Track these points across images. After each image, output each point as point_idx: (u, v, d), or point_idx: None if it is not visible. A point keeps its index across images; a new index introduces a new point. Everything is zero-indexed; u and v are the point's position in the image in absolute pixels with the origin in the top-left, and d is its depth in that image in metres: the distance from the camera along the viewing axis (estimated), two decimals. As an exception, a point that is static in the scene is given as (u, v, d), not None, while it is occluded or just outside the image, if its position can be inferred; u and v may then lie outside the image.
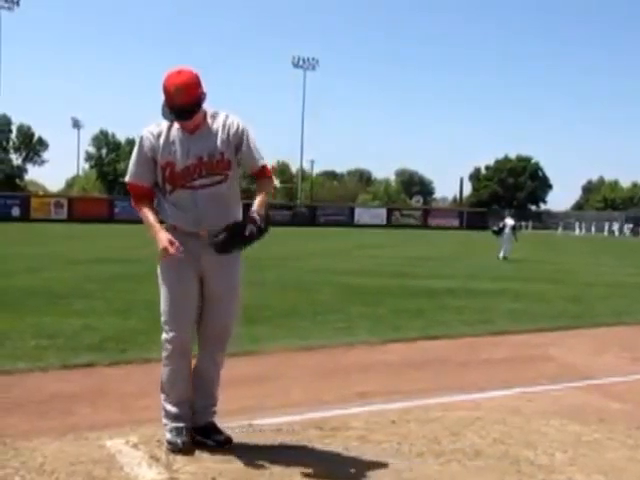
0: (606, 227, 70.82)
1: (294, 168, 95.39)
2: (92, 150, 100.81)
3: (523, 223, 35.17)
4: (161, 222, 3.96)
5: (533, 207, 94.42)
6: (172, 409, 4.02)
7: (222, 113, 3.99)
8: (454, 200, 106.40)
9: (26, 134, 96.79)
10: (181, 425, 4.00)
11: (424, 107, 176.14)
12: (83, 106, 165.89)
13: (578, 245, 40.74)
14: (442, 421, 4.72)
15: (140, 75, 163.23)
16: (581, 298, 12.44)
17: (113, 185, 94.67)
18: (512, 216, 26.02)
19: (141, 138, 3.95)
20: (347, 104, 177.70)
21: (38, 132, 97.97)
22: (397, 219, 69.42)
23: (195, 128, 3.89)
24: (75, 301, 9.69)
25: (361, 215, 68.46)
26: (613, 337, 8.70)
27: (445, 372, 6.40)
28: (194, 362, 4.10)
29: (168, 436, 3.98)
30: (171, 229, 3.91)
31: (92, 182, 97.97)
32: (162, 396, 4.06)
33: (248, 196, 4.24)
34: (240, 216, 3.99)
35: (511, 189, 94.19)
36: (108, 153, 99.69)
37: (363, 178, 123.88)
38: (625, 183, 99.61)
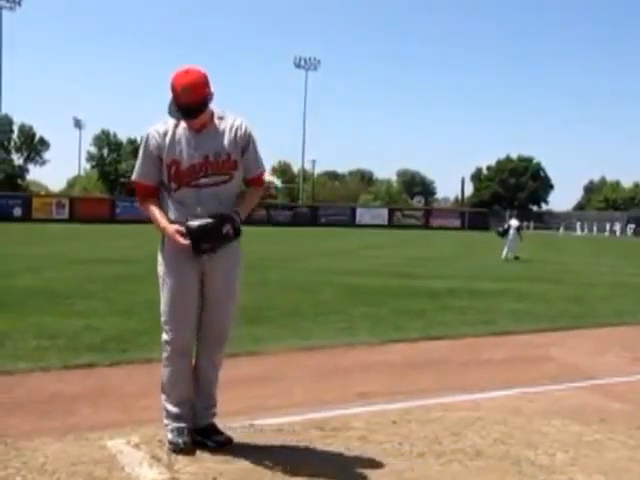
0: (607, 227, 70.75)
1: (296, 168, 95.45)
2: (93, 150, 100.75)
3: (525, 223, 35.12)
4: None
5: (534, 207, 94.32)
6: (173, 409, 4.02)
7: (230, 115, 4.01)
8: (456, 200, 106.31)
9: (28, 134, 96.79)
10: (182, 425, 4.00)
11: (425, 107, 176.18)
12: (84, 106, 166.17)
13: (579, 245, 40.71)
14: (443, 421, 4.72)
15: (141, 75, 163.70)
16: (583, 298, 12.43)
17: (114, 185, 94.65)
18: (516, 217, 26.23)
19: (147, 137, 3.95)
20: (349, 104, 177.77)
21: (40, 132, 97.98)
22: (398, 219, 69.39)
23: (202, 127, 3.90)
24: (76, 301, 9.69)
25: (362, 215, 68.45)
26: (614, 337, 8.69)
27: (446, 372, 6.40)
28: (193, 363, 4.09)
29: (169, 436, 3.98)
30: None
31: (93, 182, 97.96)
32: (163, 397, 4.06)
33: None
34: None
35: (512, 189, 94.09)
36: (109, 153, 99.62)
37: (365, 178, 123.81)
38: (627, 183, 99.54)
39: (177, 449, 3.90)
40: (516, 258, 23.20)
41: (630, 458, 4.13)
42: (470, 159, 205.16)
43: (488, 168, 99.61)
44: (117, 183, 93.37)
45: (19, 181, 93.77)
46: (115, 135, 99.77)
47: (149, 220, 4.02)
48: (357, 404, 5.12)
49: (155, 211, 3.95)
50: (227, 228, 3.81)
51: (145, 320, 7.94)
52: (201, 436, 4.06)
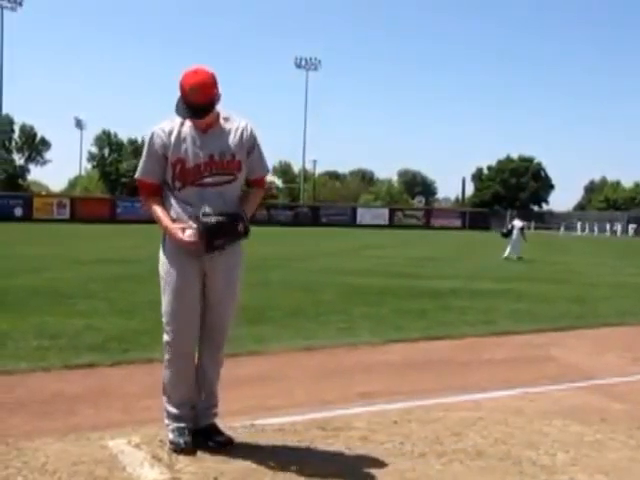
0: (608, 227, 70.74)
1: (296, 168, 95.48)
2: (94, 150, 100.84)
3: (526, 223, 34.94)
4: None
5: (535, 207, 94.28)
6: (174, 410, 4.02)
7: (235, 116, 4.02)
8: (456, 200, 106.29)
9: (29, 134, 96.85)
10: (183, 425, 4.00)
11: (426, 107, 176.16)
12: (86, 106, 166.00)
13: (580, 245, 40.70)
14: (444, 421, 4.72)
15: (142, 75, 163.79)
16: (583, 298, 12.43)
17: (115, 185, 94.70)
18: (519, 217, 26.34)
19: (152, 135, 3.95)
20: (349, 104, 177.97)
21: (41, 132, 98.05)
22: (399, 219, 69.41)
23: (208, 127, 3.91)
24: (78, 301, 9.70)
25: (363, 215, 68.47)
26: (615, 337, 8.70)
27: (447, 372, 6.40)
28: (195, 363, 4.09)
29: (170, 436, 3.98)
30: None
31: (94, 182, 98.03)
32: (164, 397, 4.07)
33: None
34: None
35: (513, 189, 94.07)
36: (110, 153, 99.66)
37: (365, 178, 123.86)
38: (627, 183, 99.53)
39: (178, 449, 3.90)
40: (519, 259, 23.23)
41: (631, 458, 4.13)
42: (471, 159, 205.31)
43: (489, 168, 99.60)
44: (118, 183, 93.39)
45: (20, 181, 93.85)
46: (116, 135, 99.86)
47: (150, 220, 4.02)
48: (358, 404, 5.13)
49: (158, 209, 3.95)
50: (240, 226, 3.85)
51: (146, 320, 7.95)
52: (202, 436, 4.06)
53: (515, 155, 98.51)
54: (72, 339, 7.05)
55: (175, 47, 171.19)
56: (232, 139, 3.94)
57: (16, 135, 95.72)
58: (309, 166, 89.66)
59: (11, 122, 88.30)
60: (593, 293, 13.47)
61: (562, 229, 72.04)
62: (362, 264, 19.35)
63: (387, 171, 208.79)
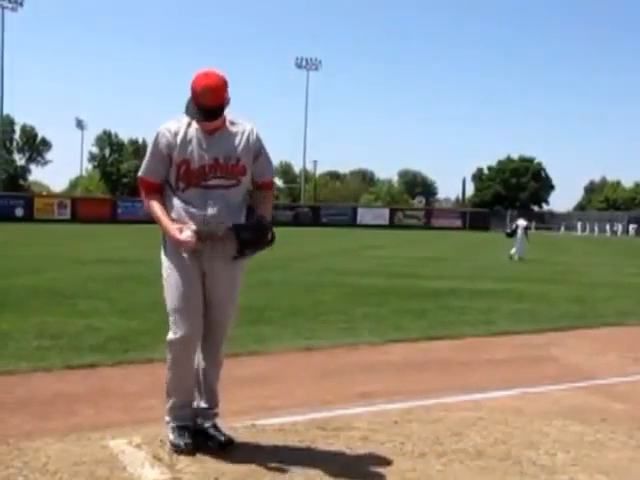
0: (608, 227, 70.72)
1: (297, 168, 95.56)
2: (95, 150, 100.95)
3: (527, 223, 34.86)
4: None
5: (535, 208, 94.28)
6: (175, 410, 4.02)
7: (241, 120, 4.03)
8: (457, 201, 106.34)
9: (30, 134, 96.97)
10: (183, 424, 4.01)
11: (427, 107, 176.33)
12: (86, 106, 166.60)
13: (581, 245, 40.69)
14: (444, 421, 4.73)
15: (143, 76, 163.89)
16: (584, 299, 12.43)
17: (116, 185, 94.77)
18: (523, 217, 26.47)
19: (157, 135, 3.94)
20: (350, 104, 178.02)
21: (42, 132, 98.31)
22: (400, 219, 69.36)
23: (214, 129, 3.91)
24: (78, 301, 9.70)
25: (364, 215, 68.44)
26: (616, 338, 8.70)
27: (447, 372, 6.41)
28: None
29: (171, 436, 3.98)
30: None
31: (95, 182, 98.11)
32: (166, 396, 4.06)
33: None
34: (242, 220, 4.03)
35: (514, 190, 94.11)
36: (111, 153, 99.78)
37: (366, 178, 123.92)
38: (627, 183, 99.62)
39: (179, 449, 3.91)
40: (520, 259, 23.28)
41: (631, 458, 4.13)
42: (471, 159, 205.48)
43: (489, 168, 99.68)
44: (119, 183, 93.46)
45: (21, 181, 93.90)
46: (117, 135, 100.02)
47: (151, 220, 4.01)
48: (359, 404, 5.13)
49: (157, 209, 3.94)
50: (269, 235, 3.95)
51: (147, 320, 7.95)
52: (203, 437, 4.06)
53: (515, 155, 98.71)
54: (73, 339, 7.06)
55: (175, 47, 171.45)
56: (238, 143, 3.94)
57: (17, 135, 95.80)
58: (310, 166, 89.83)
59: (11, 122, 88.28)
60: (593, 293, 13.46)
61: (562, 229, 72.05)
62: (362, 264, 19.35)
63: (387, 171, 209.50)
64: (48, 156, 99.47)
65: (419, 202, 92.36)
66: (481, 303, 11.18)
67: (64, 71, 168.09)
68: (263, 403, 5.11)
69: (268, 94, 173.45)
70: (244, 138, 3.96)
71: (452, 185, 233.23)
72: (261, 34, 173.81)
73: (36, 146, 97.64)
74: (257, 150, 4.02)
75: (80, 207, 53.56)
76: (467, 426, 4.62)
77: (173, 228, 3.84)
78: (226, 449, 3.98)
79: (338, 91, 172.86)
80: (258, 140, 4.03)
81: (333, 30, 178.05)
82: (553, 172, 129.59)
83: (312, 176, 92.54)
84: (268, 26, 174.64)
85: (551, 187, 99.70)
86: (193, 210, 3.86)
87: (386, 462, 3.91)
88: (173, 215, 3.90)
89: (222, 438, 4.03)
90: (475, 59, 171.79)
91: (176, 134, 3.90)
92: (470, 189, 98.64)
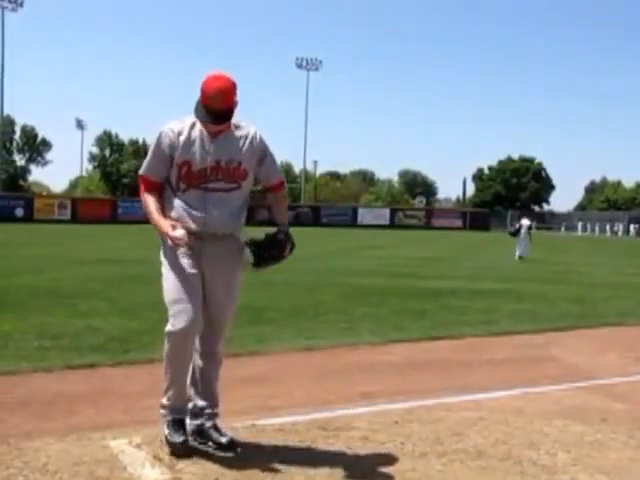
0: (608, 227, 70.72)
1: (297, 169, 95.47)
2: (95, 151, 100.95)
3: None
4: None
5: (536, 208, 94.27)
6: (171, 402, 3.96)
7: (244, 124, 4.01)
8: (457, 201, 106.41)
9: (30, 135, 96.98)
10: (179, 417, 3.96)
11: (427, 107, 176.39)
12: (86, 107, 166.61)
13: (581, 245, 40.70)
14: (445, 421, 4.72)
15: (143, 76, 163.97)
16: (584, 299, 12.42)
17: (116, 186, 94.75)
18: (527, 217, 26.64)
19: (160, 134, 3.93)
20: (350, 104, 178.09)
21: (42, 133, 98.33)
22: (400, 219, 69.36)
23: (218, 132, 3.90)
24: (79, 301, 9.69)
25: (364, 215, 68.44)
26: (616, 338, 8.69)
27: (448, 372, 6.41)
28: (193, 363, 4.07)
29: (166, 431, 3.93)
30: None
31: (95, 183, 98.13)
32: (162, 390, 4.00)
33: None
34: (243, 223, 4.04)
35: (514, 190, 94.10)
36: (111, 154, 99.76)
37: (366, 179, 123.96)
38: (628, 183, 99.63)
39: (175, 449, 3.85)
40: (520, 258, 23.41)
41: (632, 458, 4.13)
42: (472, 159, 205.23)
43: (490, 168, 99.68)
44: (119, 184, 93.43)
45: (21, 182, 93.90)
46: (117, 136, 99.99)
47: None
48: (359, 404, 5.13)
49: (152, 205, 3.92)
50: (288, 249, 4.06)
51: (147, 320, 7.95)
52: (203, 437, 4.05)
53: (516, 155, 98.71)
54: (73, 339, 7.06)
55: (175, 47, 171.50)
56: (241, 147, 3.93)
57: (17, 136, 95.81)
58: (310, 166, 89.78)
59: (11, 123, 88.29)
60: (594, 293, 13.46)
61: (563, 229, 72.04)
62: (363, 264, 19.35)
63: (388, 171, 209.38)
64: (48, 156, 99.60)
65: (419, 202, 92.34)
66: (481, 303, 11.18)
67: (64, 71, 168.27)
68: (263, 403, 5.10)
69: (268, 94, 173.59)
70: (248, 142, 3.95)
71: (452, 185, 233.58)
72: (261, 34, 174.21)
73: (36, 146, 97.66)
74: (262, 153, 4.02)
75: (80, 207, 53.58)
76: (468, 426, 4.62)
77: (165, 224, 3.81)
78: (227, 449, 3.97)
79: (338, 91, 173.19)
80: (262, 142, 4.02)
81: (333, 30, 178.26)
82: (553, 172, 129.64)
83: (312, 176, 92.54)
84: (268, 26, 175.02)
85: (551, 187, 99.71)
86: (194, 212, 3.86)
87: (386, 462, 3.90)
88: (173, 215, 3.89)
89: (222, 439, 4.02)
90: (475, 59, 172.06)
91: (179, 135, 3.89)
92: (470, 189, 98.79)
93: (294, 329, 8.17)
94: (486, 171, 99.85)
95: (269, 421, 4.55)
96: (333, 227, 58.50)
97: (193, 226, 3.87)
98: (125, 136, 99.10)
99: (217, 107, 3.76)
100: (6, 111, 74.10)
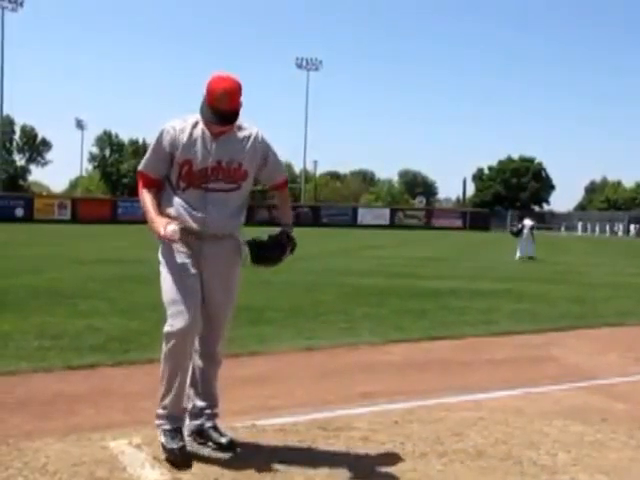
0: (608, 228, 70.71)
1: (297, 169, 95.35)
2: (95, 151, 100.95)
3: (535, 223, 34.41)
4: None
5: (536, 208, 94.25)
6: (168, 408, 3.92)
7: (248, 125, 4.01)
8: (457, 201, 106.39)
9: (29, 135, 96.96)
10: (175, 427, 3.89)
11: (427, 107, 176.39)
12: (86, 107, 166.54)
13: (581, 245, 40.69)
14: (445, 421, 4.72)
15: (143, 76, 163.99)
16: (584, 299, 12.42)
17: (116, 186, 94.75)
18: (530, 217, 26.72)
19: (162, 132, 3.92)
20: (350, 104, 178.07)
21: (42, 133, 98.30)
22: (400, 219, 69.33)
23: (220, 133, 3.89)
24: (79, 301, 9.69)
25: (364, 215, 68.41)
26: (616, 338, 8.69)
27: (448, 372, 6.40)
28: (193, 363, 4.06)
29: (163, 439, 3.87)
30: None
31: (95, 183, 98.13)
32: (159, 395, 3.94)
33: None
34: (242, 222, 4.04)
35: (514, 190, 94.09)
36: (111, 154, 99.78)
37: (366, 179, 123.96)
38: (628, 183, 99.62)
39: (173, 456, 3.78)
40: (521, 259, 23.48)
41: (632, 458, 4.13)
42: (472, 159, 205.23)
43: (490, 168, 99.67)
44: (119, 184, 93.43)
45: (21, 182, 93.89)
46: (117, 136, 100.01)
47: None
48: (359, 404, 5.13)
49: (148, 201, 3.91)
50: (290, 249, 4.07)
51: (147, 320, 7.94)
52: (203, 438, 4.05)
53: (516, 155, 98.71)
54: (73, 339, 7.06)
55: (175, 47, 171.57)
56: (243, 148, 3.93)
57: (17, 136, 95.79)
58: (310, 166, 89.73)
59: (11, 123, 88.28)
60: (594, 293, 13.45)
61: (563, 229, 72.03)
62: (363, 264, 19.35)
63: (388, 171, 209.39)
64: (48, 156, 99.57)
65: (419, 202, 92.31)
66: (481, 303, 11.18)
67: (64, 71, 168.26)
68: (263, 403, 5.10)
69: (268, 94, 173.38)
70: (250, 143, 3.95)
71: (452, 185, 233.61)
72: (261, 34, 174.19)
73: (36, 146, 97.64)
74: (265, 153, 4.01)
75: (80, 207, 53.54)
76: (468, 426, 4.61)
77: (158, 222, 3.79)
78: (226, 450, 3.97)
79: (338, 91, 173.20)
80: (264, 143, 4.01)
81: (333, 30, 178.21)
82: (553, 172, 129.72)
83: (312, 176, 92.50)
84: (268, 26, 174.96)
85: (551, 187, 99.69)
86: (194, 211, 3.86)
87: (386, 462, 3.90)
88: (173, 213, 3.88)
89: (222, 439, 4.02)
90: (475, 59, 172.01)
91: (181, 133, 3.87)
92: (470, 189, 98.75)
93: (294, 329, 8.16)
94: (486, 171, 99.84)
95: (269, 421, 4.55)
96: (333, 227, 58.49)
97: (194, 225, 3.87)
98: (125, 136, 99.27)
99: (223, 108, 3.75)
100: (6, 111, 74.14)
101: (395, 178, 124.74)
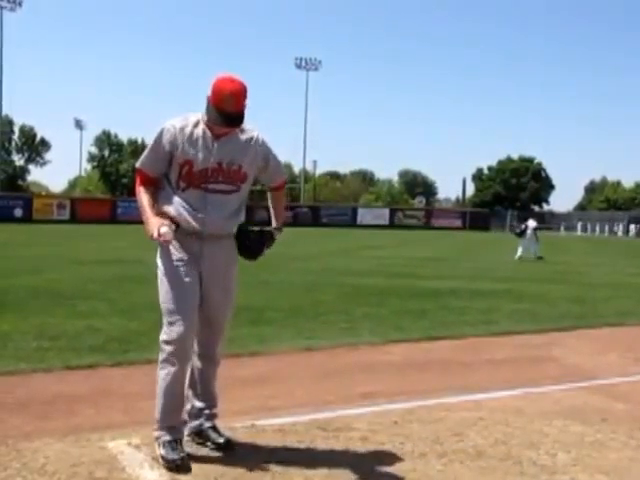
0: (608, 228, 70.72)
1: (297, 169, 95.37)
2: (94, 151, 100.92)
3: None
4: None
5: (536, 208, 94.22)
6: (166, 419, 3.85)
7: (250, 128, 3.99)
8: (457, 201, 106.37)
9: (28, 135, 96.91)
10: (174, 438, 3.82)
11: (427, 108, 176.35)
12: (85, 107, 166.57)
13: (581, 245, 40.69)
14: (445, 421, 4.72)
15: (143, 76, 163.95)
16: (584, 299, 12.42)
17: (115, 185, 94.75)
18: (533, 218, 26.90)
19: (162, 130, 3.89)
20: (350, 104, 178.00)
21: (41, 133, 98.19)
22: (400, 220, 69.33)
23: (222, 134, 3.87)
24: (78, 302, 9.68)
25: (364, 216, 68.41)
26: (616, 338, 8.69)
27: (448, 373, 6.40)
28: (192, 364, 4.04)
29: (162, 451, 3.78)
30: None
31: (95, 183, 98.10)
32: (156, 403, 3.88)
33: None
34: (242, 222, 4.04)
35: (514, 190, 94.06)
36: (110, 154, 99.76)
37: (366, 179, 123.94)
38: (628, 183, 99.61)
39: (173, 467, 3.70)
40: (539, 258, 23.77)
41: (632, 458, 4.12)
42: (471, 159, 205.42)
43: (489, 168, 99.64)
44: (118, 184, 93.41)
45: (20, 182, 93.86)
46: (116, 136, 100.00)
47: None
48: (359, 404, 5.12)
49: (144, 199, 3.89)
50: (269, 244, 4.26)
51: (147, 321, 7.93)
52: (202, 438, 4.04)
53: (515, 155, 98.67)
54: (72, 340, 7.05)
55: (175, 47, 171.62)
56: (244, 150, 3.92)
57: (16, 136, 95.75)
58: (309, 166, 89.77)
59: (10, 123, 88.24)
60: (594, 293, 13.46)
61: (562, 229, 72.05)
62: (363, 264, 19.35)
63: (388, 171, 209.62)
64: (47, 156, 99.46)
65: (419, 202, 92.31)
66: (481, 303, 11.17)
67: (63, 71, 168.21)
68: (263, 403, 5.10)
69: (268, 94, 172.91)
70: (251, 146, 3.94)
71: (452, 185, 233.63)
72: (261, 34, 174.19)
73: (35, 146, 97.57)
74: (265, 156, 4.01)
75: (79, 207, 53.51)
76: (468, 426, 4.61)
77: (152, 223, 3.76)
78: (225, 450, 3.96)
79: (338, 91, 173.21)
80: (264, 146, 4.00)
81: (333, 30, 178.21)
82: (553, 172, 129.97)
83: (312, 176, 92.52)
84: (268, 26, 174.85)
85: (551, 187, 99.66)
86: (194, 212, 3.84)
87: (386, 462, 3.90)
88: (172, 212, 3.86)
89: (221, 440, 4.01)
90: (475, 59, 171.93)
91: (181, 132, 3.85)
92: (470, 189, 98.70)
93: (294, 329, 8.16)
94: (486, 171, 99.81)
95: (269, 421, 4.55)
96: (333, 227, 58.50)
97: (194, 225, 3.86)
98: (124, 136, 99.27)
99: (229, 110, 3.73)
100: (5, 111, 74.18)
101: (395, 178, 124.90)
